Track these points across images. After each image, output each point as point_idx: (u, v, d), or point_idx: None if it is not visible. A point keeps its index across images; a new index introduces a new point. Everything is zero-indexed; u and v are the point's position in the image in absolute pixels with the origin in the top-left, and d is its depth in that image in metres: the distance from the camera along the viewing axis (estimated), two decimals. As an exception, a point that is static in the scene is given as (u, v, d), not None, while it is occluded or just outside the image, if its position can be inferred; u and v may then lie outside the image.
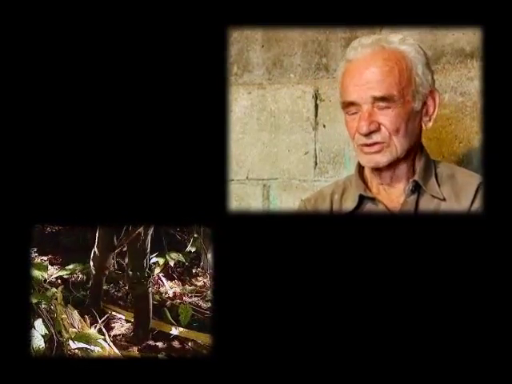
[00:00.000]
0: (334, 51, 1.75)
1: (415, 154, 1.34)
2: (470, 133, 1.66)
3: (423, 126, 1.33)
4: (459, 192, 1.31)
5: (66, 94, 1.37)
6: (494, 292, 1.29)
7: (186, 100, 1.43)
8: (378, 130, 1.27)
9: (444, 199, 1.31)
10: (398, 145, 1.29)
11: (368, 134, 1.28)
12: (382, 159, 1.30)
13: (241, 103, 1.87)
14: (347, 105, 1.31)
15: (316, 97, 1.81)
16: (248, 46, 1.87)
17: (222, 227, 1.37)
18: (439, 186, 1.33)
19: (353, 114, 1.31)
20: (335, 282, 1.33)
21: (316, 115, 1.81)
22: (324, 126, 1.78)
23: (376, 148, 1.29)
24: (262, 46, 1.86)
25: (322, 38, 1.79)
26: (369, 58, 1.28)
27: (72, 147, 1.37)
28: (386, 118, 1.27)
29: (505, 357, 1.28)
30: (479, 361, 1.29)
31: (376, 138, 1.28)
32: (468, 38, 1.65)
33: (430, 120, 1.33)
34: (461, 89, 1.67)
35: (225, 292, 1.34)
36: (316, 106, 1.82)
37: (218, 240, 1.38)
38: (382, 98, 1.26)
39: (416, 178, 1.31)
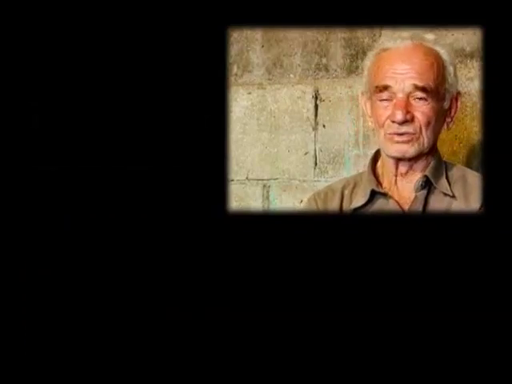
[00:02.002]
0: (333, 51, 1.76)
1: (434, 152, 1.40)
2: (470, 133, 1.69)
3: (445, 126, 1.40)
4: (469, 193, 1.37)
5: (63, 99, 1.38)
6: (494, 292, 1.28)
7: (186, 100, 1.44)
8: (411, 120, 1.33)
9: (454, 196, 1.36)
10: (426, 138, 1.34)
11: (402, 123, 1.33)
12: (410, 150, 1.35)
13: (241, 103, 1.86)
14: (381, 89, 1.35)
15: (316, 97, 1.83)
16: (248, 46, 1.86)
17: (221, 227, 1.36)
18: (450, 184, 1.38)
19: (384, 100, 1.35)
20: (336, 281, 1.32)
21: (316, 115, 1.82)
22: (324, 126, 1.80)
23: (406, 138, 1.34)
24: (262, 46, 1.85)
25: (322, 38, 1.80)
26: (410, 49, 1.34)
27: (69, 155, 1.38)
28: (421, 109, 1.33)
29: (504, 356, 1.28)
30: (478, 360, 1.29)
31: (408, 128, 1.33)
32: (468, 38, 1.67)
33: (451, 121, 1.40)
34: (461, 89, 1.65)
35: (225, 292, 1.33)
36: (316, 107, 1.83)
37: (218, 240, 1.35)
38: (423, 89, 1.32)
39: (427, 173, 1.37)
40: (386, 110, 1.36)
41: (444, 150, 1.67)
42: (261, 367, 1.30)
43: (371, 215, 1.40)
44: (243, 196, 1.87)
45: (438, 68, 1.36)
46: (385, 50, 1.38)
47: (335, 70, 1.71)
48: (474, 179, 1.40)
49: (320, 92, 1.82)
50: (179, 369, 1.31)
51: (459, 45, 1.69)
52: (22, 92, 1.35)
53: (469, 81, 1.68)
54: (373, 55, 1.40)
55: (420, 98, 1.34)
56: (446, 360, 1.28)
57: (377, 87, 1.37)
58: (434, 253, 1.30)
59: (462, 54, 1.69)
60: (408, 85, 1.34)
